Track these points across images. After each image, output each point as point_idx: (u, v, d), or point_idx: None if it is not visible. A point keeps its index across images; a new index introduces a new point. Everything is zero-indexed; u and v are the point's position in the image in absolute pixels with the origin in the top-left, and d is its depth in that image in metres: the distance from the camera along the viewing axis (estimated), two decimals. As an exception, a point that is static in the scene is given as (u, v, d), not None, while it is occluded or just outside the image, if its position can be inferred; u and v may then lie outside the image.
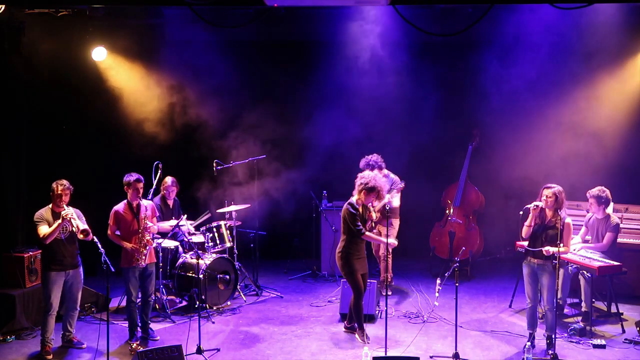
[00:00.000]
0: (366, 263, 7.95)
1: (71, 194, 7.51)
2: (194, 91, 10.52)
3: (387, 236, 7.79)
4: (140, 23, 10.03)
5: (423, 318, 8.54)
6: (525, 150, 10.47)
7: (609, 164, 9.86)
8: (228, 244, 9.24)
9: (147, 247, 7.74)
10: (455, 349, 7.23)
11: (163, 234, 8.57)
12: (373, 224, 8.01)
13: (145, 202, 7.90)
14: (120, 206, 7.80)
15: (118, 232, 7.75)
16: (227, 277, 9.02)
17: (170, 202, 9.25)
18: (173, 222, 8.83)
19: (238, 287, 9.23)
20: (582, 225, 8.72)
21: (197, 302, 8.13)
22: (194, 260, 8.61)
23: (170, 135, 10.43)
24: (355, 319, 7.90)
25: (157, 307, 8.65)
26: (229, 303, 9.09)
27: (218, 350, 7.57)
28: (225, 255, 9.14)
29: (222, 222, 9.23)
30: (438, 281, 7.34)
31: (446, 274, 7.35)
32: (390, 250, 8.83)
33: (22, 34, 9.11)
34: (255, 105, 10.62)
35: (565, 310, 8.70)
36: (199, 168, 10.29)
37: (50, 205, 7.50)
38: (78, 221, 7.41)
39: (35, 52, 9.37)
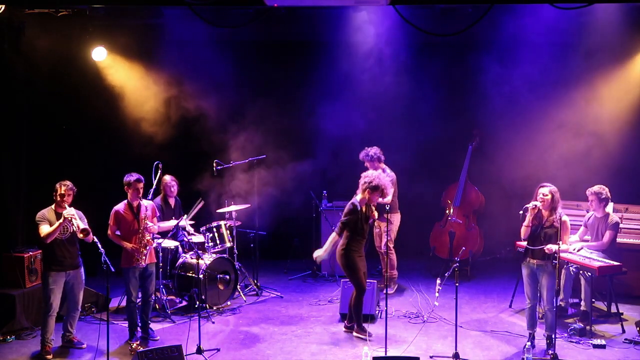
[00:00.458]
0: (365, 262, 7.98)
1: (74, 195, 7.51)
2: (194, 91, 10.52)
3: (390, 232, 7.82)
4: (140, 23, 10.04)
5: (423, 318, 8.54)
6: (525, 150, 10.48)
7: (609, 164, 9.87)
8: (228, 244, 9.24)
9: (148, 247, 7.74)
10: (455, 349, 7.23)
11: (163, 234, 8.57)
12: (375, 223, 8.03)
13: (145, 202, 7.90)
14: (120, 206, 7.80)
15: (118, 232, 7.75)
16: (227, 277, 9.02)
17: (172, 202, 9.25)
18: (173, 222, 8.82)
19: (238, 287, 9.23)
20: (580, 225, 8.72)
21: (197, 302, 8.13)
22: (194, 260, 8.61)
23: (170, 135, 10.44)
24: (355, 317, 7.92)
25: (157, 307, 8.65)
26: (229, 303, 9.09)
27: (218, 350, 7.57)
28: (225, 255, 9.14)
29: (222, 222, 9.22)
30: (438, 281, 7.34)
31: (446, 274, 7.35)
32: (392, 246, 8.86)
33: (22, 34, 9.12)
34: (255, 106, 10.62)
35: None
36: (199, 168, 10.28)
37: (53, 206, 7.51)
38: (78, 221, 7.41)
39: (35, 52, 9.36)
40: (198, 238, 9.07)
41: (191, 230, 9.15)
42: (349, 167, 9.91)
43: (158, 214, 8.50)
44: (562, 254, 7.42)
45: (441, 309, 8.63)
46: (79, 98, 10.07)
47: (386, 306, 7.46)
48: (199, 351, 7.33)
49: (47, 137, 9.82)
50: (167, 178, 9.15)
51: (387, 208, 7.76)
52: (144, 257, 7.71)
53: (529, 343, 7.35)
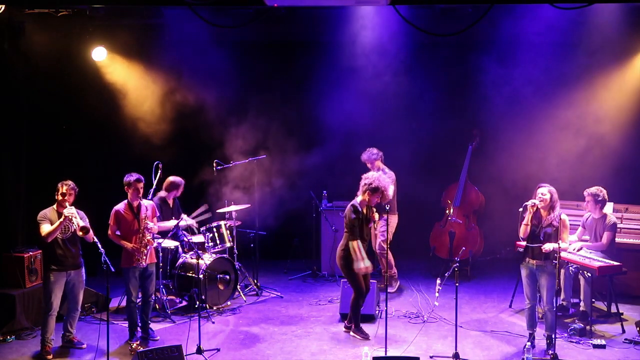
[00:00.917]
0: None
1: (76, 195, 7.51)
2: (194, 91, 10.51)
3: (387, 232, 7.83)
4: (140, 23, 10.04)
5: (423, 318, 8.54)
6: (525, 149, 10.48)
7: (609, 163, 9.87)
8: (228, 244, 9.23)
9: (148, 247, 7.74)
10: (455, 349, 7.23)
11: (163, 234, 8.57)
12: (375, 225, 8.03)
13: (145, 202, 7.90)
14: (120, 206, 7.80)
15: (118, 232, 7.75)
16: (227, 277, 9.02)
17: (171, 201, 9.24)
18: (173, 221, 8.82)
19: (238, 287, 9.23)
20: (578, 226, 8.72)
21: (197, 302, 8.13)
22: (194, 260, 8.61)
23: (170, 135, 10.43)
24: (353, 317, 7.93)
25: (157, 307, 8.65)
26: (229, 303, 9.09)
27: (218, 350, 7.57)
28: (225, 255, 9.14)
29: (222, 222, 9.22)
30: (438, 281, 7.34)
31: (446, 274, 7.35)
32: (385, 246, 8.87)
33: (22, 34, 9.12)
34: (255, 106, 10.62)
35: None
36: (199, 168, 10.28)
37: (55, 206, 7.50)
38: (79, 219, 7.40)
39: (35, 52, 9.37)
40: (198, 238, 9.07)
41: (194, 223, 9.10)
42: (349, 167, 9.91)
43: (158, 214, 8.50)
44: (562, 254, 7.42)
45: (441, 309, 8.63)
46: (79, 98, 10.07)
47: (386, 306, 7.46)
48: (199, 351, 7.33)
49: (47, 137, 9.82)
50: (180, 181, 9.11)
51: (387, 208, 7.76)
52: (144, 257, 7.71)
53: (529, 343, 7.35)
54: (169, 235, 8.68)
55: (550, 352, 7.24)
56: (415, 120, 10.81)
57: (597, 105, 10.04)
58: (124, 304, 8.41)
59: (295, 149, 10.67)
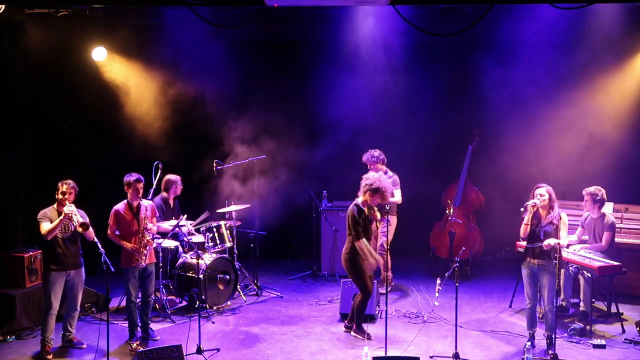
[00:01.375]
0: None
1: (76, 194, 7.51)
2: (194, 91, 10.52)
3: (387, 234, 7.81)
4: (140, 23, 10.04)
5: (423, 318, 8.54)
6: (525, 149, 10.48)
7: (609, 163, 9.86)
8: (228, 244, 9.23)
9: (147, 248, 7.74)
10: (455, 349, 7.23)
11: (163, 234, 8.57)
12: (377, 225, 8.02)
13: (145, 202, 7.90)
14: (120, 206, 7.80)
15: (118, 232, 7.74)
16: (227, 277, 9.02)
17: (172, 202, 9.24)
18: (173, 222, 8.82)
19: (238, 287, 9.23)
20: (577, 226, 8.71)
21: (197, 302, 8.13)
22: (194, 260, 8.60)
23: (170, 135, 10.44)
24: (357, 317, 7.92)
25: (157, 307, 8.65)
26: (229, 303, 9.09)
27: (218, 350, 7.57)
28: (225, 255, 9.14)
29: (222, 222, 9.22)
30: (438, 281, 7.34)
31: (446, 274, 7.35)
32: (386, 247, 8.86)
33: (22, 34, 9.12)
34: (255, 106, 10.62)
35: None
36: (199, 167, 10.29)
37: (55, 205, 7.50)
38: (78, 216, 7.40)
39: (35, 52, 9.37)
40: (198, 238, 9.07)
41: (192, 229, 9.14)
42: (350, 167, 9.90)
43: (158, 214, 8.50)
44: (562, 254, 7.42)
45: (441, 309, 8.62)
46: (79, 98, 10.07)
47: (386, 306, 7.46)
48: (199, 351, 7.33)
49: (47, 137, 9.82)
50: (176, 177, 9.12)
51: (387, 208, 7.76)
52: (143, 257, 7.70)
53: (529, 343, 7.35)
54: (168, 235, 8.68)
55: (550, 352, 7.24)
56: (415, 120, 10.80)
57: (597, 105, 10.04)
58: (124, 304, 8.41)
59: (295, 149, 10.66)
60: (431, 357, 7.39)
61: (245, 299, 9.34)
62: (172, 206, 9.21)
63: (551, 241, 7.27)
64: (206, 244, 9.01)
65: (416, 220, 10.56)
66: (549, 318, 7.41)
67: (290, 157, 10.58)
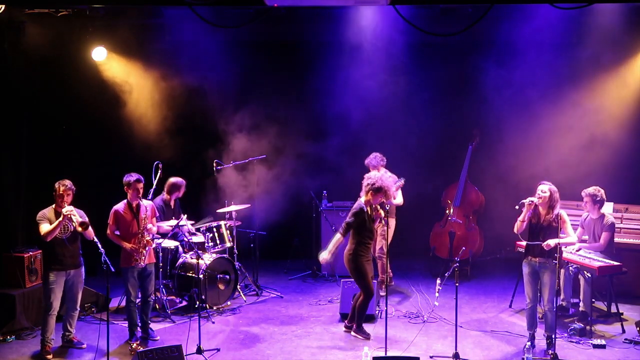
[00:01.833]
0: (372, 265, 8.01)
1: (74, 194, 7.51)
2: (194, 91, 10.53)
3: (386, 236, 7.80)
4: (140, 23, 10.04)
5: (423, 318, 8.54)
6: (525, 149, 10.48)
7: (609, 163, 9.87)
8: (228, 244, 9.24)
9: (147, 248, 7.74)
10: (455, 349, 7.23)
11: (163, 234, 8.57)
12: (382, 221, 8.00)
13: (145, 203, 7.90)
14: (120, 206, 7.80)
15: (117, 232, 7.74)
16: (227, 277, 9.02)
17: (172, 203, 9.24)
18: (173, 222, 8.82)
19: (238, 287, 9.23)
20: (577, 226, 8.71)
21: (197, 302, 8.13)
22: (194, 260, 8.60)
23: (169, 135, 10.43)
24: (357, 317, 7.92)
25: (157, 307, 8.66)
26: (229, 303, 9.09)
27: (218, 350, 7.57)
28: (225, 255, 9.14)
29: (222, 222, 9.23)
30: (438, 281, 7.34)
31: (446, 274, 7.35)
32: (385, 250, 8.86)
33: (22, 34, 9.12)
34: (255, 106, 10.61)
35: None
36: (199, 167, 10.29)
37: (53, 206, 7.50)
38: (77, 216, 7.40)
39: (35, 52, 9.37)
40: (198, 238, 9.07)
41: (192, 229, 9.13)
42: (350, 167, 9.90)
43: (158, 215, 8.50)
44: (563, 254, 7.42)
45: (441, 309, 8.62)
46: (79, 98, 10.07)
47: (386, 306, 7.46)
48: (199, 351, 7.33)
49: (47, 137, 9.82)
50: (181, 182, 9.10)
51: (387, 208, 7.75)
52: (143, 258, 7.70)
53: (529, 343, 7.36)
54: (169, 235, 8.68)
55: (550, 352, 7.24)
56: (415, 120, 10.80)
57: (597, 105, 10.04)
58: (124, 304, 8.40)
59: (295, 149, 10.67)
60: (431, 357, 7.39)
61: (245, 299, 9.34)
62: (172, 207, 9.21)
63: (551, 242, 7.26)
64: (206, 244, 9.01)
65: (416, 220, 10.56)
66: (548, 318, 7.41)
67: (290, 157, 10.57)
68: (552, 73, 10.18)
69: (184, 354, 6.93)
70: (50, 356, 7.49)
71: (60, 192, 7.41)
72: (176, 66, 10.35)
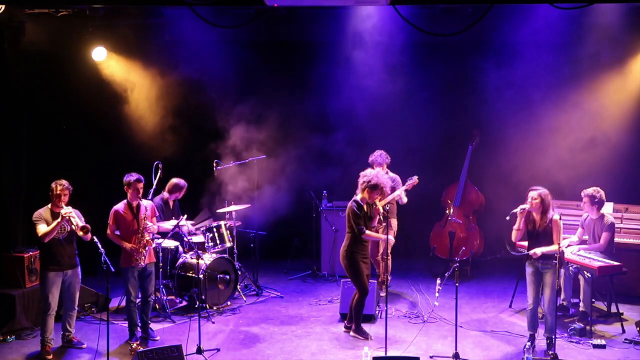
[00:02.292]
0: (369, 264, 8.00)
1: (70, 194, 7.50)
2: (193, 91, 10.53)
3: (386, 235, 7.79)
4: (140, 23, 10.04)
5: (423, 318, 8.54)
6: (526, 149, 10.47)
7: (609, 163, 9.87)
8: (228, 244, 9.23)
9: (147, 248, 7.74)
10: (455, 349, 7.22)
11: (163, 234, 8.57)
12: (381, 218, 7.98)
13: (145, 202, 7.89)
14: (120, 206, 7.80)
15: (117, 232, 7.74)
16: (227, 277, 9.02)
17: (171, 203, 9.24)
18: (173, 222, 8.82)
19: (238, 287, 9.23)
20: (578, 226, 8.72)
21: (197, 302, 8.13)
22: (194, 260, 8.61)
23: (169, 135, 10.44)
24: (355, 317, 7.91)
25: (157, 307, 8.65)
26: (229, 303, 9.09)
27: (218, 350, 7.57)
28: (225, 255, 9.14)
29: (222, 222, 9.22)
30: (438, 281, 7.34)
31: (446, 274, 7.35)
32: (388, 251, 8.85)
33: (22, 34, 9.11)
34: (255, 106, 10.61)
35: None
36: (199, 167, 10.29)
37: (49, 205, 7.49)
38: (77, 219, 7.40)
39: (36, 52, 9.37)
40: (198, 238, 9.07)
41: (192, 229, 9.14)
42: (350, 166, 9.90)
43: (158, 214, 8.49)
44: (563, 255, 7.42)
45: (441, 309, 8.62)
46: (79, 98, 10.07)
47: (386, 306, 7.45)
48: (199, 351, 7.32)
49: (47, 137, 9.82)
50: (183, 183, 9.10)
51: (387, 208, 7.74)
52: (143, 257, 7.70)
53: (529, 343, 7.36)
54: (169, 235, 8.68)
55: (550, 352, 7.24)
56: (414, 120, 10.79)
57: (597, 105, 10.04)
58: (124, 304, 8.40)
59: (295, 149, 10.67)
60: (431, 357, 7.39)
61: (245, 299, 9.34)
62: (171, 207, 9.21)
63: (537, 251, 7.30)
64: (206, 244, 9.01)
65: (416, 220, 10.56)
66: (548, 320, 7.41)
67: (289, 157, 10.57)
68: (552, 73, 10.18)
69: (184, 354, 6.93)
70: (50, 356, 7.48)
71: (58, 192, 7.40)
72: (176, 66, 10.34)
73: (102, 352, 7.37)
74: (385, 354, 7.19)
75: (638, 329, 7.97)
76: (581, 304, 8.36)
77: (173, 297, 9.08)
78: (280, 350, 7.63)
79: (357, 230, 7.68)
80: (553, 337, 7.28)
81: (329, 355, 7.51)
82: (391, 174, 9.26)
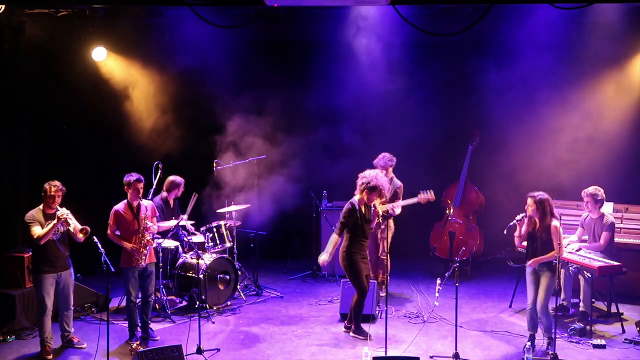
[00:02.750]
0: (369, 264, 7.99)
1: (63, 195, 7.47)
2: (193, 91, 10.53)
3: (386, 239, 7.79)
4: (140, 23, 10.05)
5: (423, 318, 8.54)
6: (526, 149, 10.48)
7: (609, 163, 9.87)
8: (228, 244, 9.23)
9: (147, 247, 7.74)
10: (455, 349, 7.22)
11: (163, 234, 8.57)
12: (380, 219, 7.97)
13: (145, 202, 7.89)
14: (120, 206, 7.79)
15: (118, 232, 7.74)
16: (227, 277, 9.02)
17: (172, 202, 9.24)
18: (173, 222, 8.82)
19: (238, 287, 9.23)
20: (577, 226, 8.72)
21: (197, 302, 8.13)
22: (194, 260, 8.60)
23: (169, 135, 10.44)
24: (354, 318, 7.92)
25: (157, 307, 8.65)
26: (229, 303, 9.09)
27: (218, 350, 7.57)
28: (225, 255, 9.14)
29: (222, 222, 9.22)
30: (438, 281, 7.34)
31: (446, 274, 7.35)
32: (387, 251, 8.87)
33: (22, 34, 9.12)
34: (255, 105, 10.61)
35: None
36: (199, 167, 10.28)
37: (41, 206, 7.45)
38: (74, 221, 7.39)
39: (36, 52, 9.37)
40: (198, 238, 9.07)
41: (192, 228, 9.13)
42: (349, 167, 9.88)
43: (158, 214, 8.49)
44: (563, 255, 7.43)
45: (441, 309, 8.62)
46: (79, 98, 10.07)
47: (386, 306, 7.45)
48: (199, 351, 7.32)
49: (47, 137, 9.82)
50: (180, 180, 9.09)
51: (389, 213, 7.73)
52: (143, 257, 7.70)
53: (529, 343, 7.36)
54: (169, 235, 8.68)
55: (550, 352, 7.24)
56: (414, 120, 10.78)
57: (597, 105, 10.04)
58: (124, 304, 8.40)
59: (295, 149, 10.66)
60: (431, 357, 7.39)
61: (245, 299, 9.34)
62: (171, 206, 9.21)
63: (533, 262, 7.37)
64: (206, 244, 9.01)
65: (416, 220, 10.54)
66: (543, 321, 7.41)
67: (289, 157, 10.57)
68: (552, 73, 10.17)
69: (184, 354, 6.93)
70: (50, 356, 7.48)
71: (51, 193, 7.37)
72: (176, 66, 10.34)
73: (102, 352, 7.35)
74: (385, 354, 7.19)
75: (638, 329, 7.97)
76: (581, 304, 8.36)
77: (173, 297, 9.08)
78: (280, 350, 7.63)
79: (336, 228, 7.77)
80: (552, 336, 7.28)
81: (329, 355, 7.51)
82: (397, 181, 9.14)
